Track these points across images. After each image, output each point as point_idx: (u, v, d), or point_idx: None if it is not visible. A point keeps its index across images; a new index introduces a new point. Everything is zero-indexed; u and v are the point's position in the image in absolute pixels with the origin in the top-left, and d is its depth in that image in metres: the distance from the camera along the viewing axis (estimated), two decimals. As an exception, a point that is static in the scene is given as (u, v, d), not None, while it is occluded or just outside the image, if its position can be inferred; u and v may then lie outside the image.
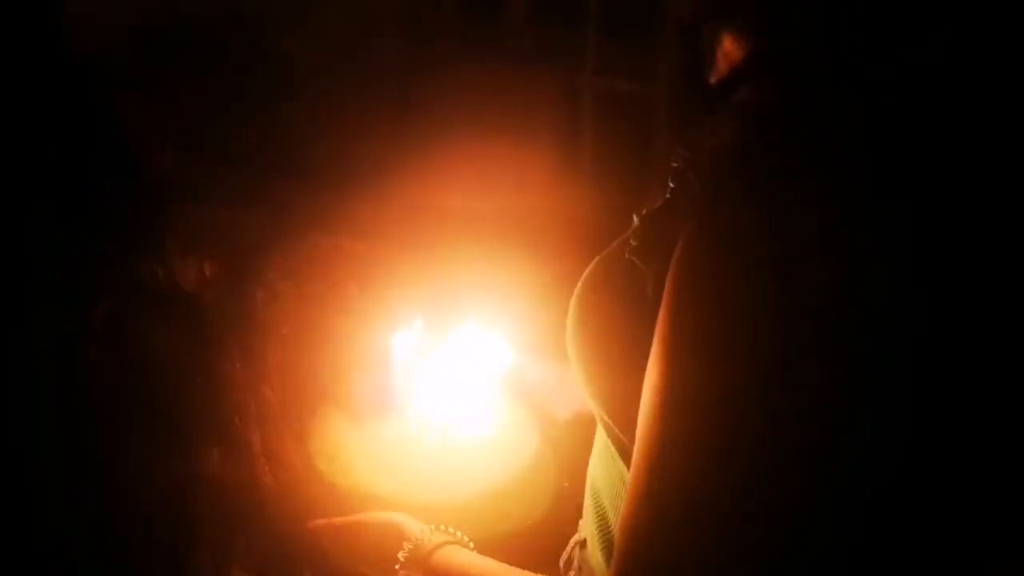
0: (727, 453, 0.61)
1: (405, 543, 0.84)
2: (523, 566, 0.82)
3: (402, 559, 0.84)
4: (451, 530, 0.87)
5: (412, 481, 1.04)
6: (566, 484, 1.09)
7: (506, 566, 0.81)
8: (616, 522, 0.72)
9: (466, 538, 0.87)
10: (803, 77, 0.65)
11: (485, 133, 2.02)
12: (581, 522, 0.86)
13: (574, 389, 1.13)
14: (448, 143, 1.96)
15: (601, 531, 0.77)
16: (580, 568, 0.82)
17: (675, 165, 0.66)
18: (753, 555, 0.62)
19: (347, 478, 1.03)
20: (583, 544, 0.83)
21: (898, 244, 0.61)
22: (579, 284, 0.76)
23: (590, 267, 0.76)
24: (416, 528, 0.86)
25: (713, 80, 0.72)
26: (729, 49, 0.70)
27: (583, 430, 1.08)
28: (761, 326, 0.60)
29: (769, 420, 0.60)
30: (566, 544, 0.87)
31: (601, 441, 0.81)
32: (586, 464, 0.84)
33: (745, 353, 0.60)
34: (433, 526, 0.87)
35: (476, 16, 2.50)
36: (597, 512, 0.77)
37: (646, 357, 0.65)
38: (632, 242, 0.71)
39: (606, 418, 0.76)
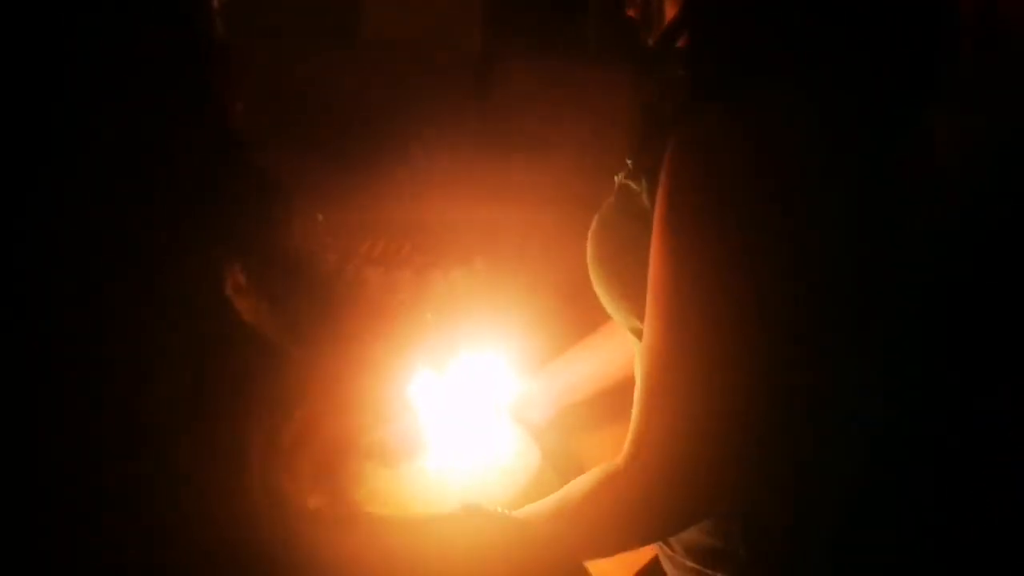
0: (719, 309, 0.75)
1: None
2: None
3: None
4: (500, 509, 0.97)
5: (450, 505, 1.17)
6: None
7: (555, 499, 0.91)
8: None
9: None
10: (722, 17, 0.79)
11: (562, 130, 2.03)
12: None
13: (543, 396, 1.26)
14: (524, 142, 1.97)
15: None
16: None
17: (649, 101, 0.83)
18: (750, 403, 0.76)
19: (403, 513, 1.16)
20: None
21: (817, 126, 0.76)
22: (590, 232, 0.91)
23: (595, 218, 0.91)
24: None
25: (652, 39, 0.87)
26: (667, 10, 0.85)
27: (560, 428, 1.28)
28: (742, 203, 0.75)
29: (756, 282, 0.75)
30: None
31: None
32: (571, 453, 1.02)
33: (733, 225, 0.75)
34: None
35: (555, 11, 2.46)
36: None
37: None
38: (623, 175, 0.86)
39: (640, 325, 0.87)
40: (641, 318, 0.86)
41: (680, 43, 0.83)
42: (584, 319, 1.27)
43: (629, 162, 0.88)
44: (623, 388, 1.04)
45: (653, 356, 0.78)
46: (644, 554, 1.06)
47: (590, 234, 0.93)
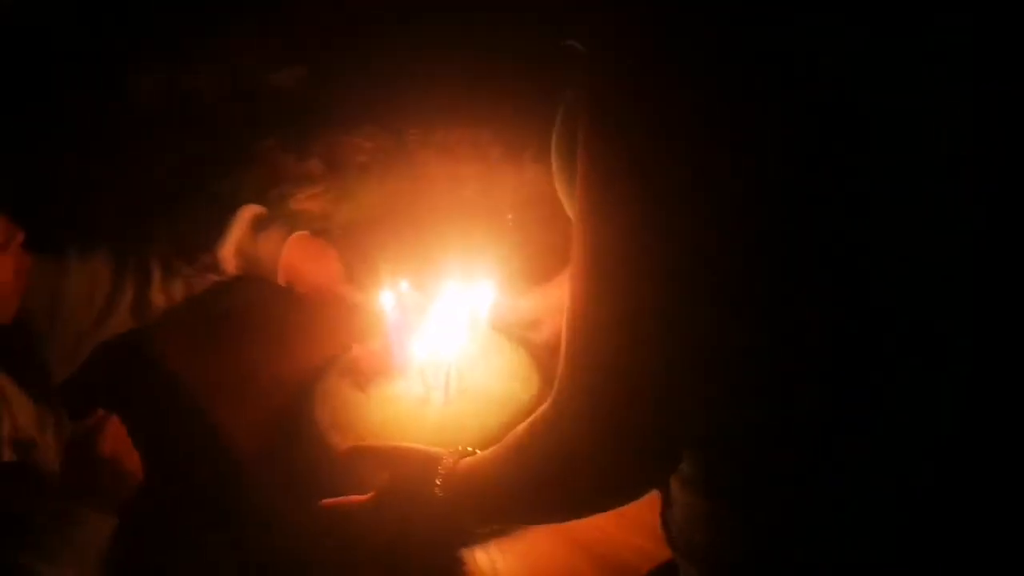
0: (637, 252, 0.66)
1: (439, 468, 0.88)
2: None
3: (439, 482, 0.87)
4: (470, 449, 0.90)
5: (428, 437, 1.05)
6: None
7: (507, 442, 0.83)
8: None
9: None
10: None
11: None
12: None
13: (545, 315, 1.13)
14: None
15: None
16: None
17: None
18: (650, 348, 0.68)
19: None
20: None
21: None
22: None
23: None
24: (443, 453, 0.90)
25: None
26: None
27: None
28: (664, 140, 0.63)
29: (679, 228, 0.64)
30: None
31: None
32: None
33: (653, 162, 0.63)
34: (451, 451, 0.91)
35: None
36: None
37: None
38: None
39: None
40: None
41: None
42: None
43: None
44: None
45: (574, 295, 0.70)
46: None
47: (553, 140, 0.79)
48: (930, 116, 0.64)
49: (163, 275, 1.30)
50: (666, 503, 0.86)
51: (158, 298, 1.29)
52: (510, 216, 1.45)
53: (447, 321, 1.11)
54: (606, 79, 0.65)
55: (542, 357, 1.13)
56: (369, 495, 0.93)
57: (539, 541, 0.99)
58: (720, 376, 0.70)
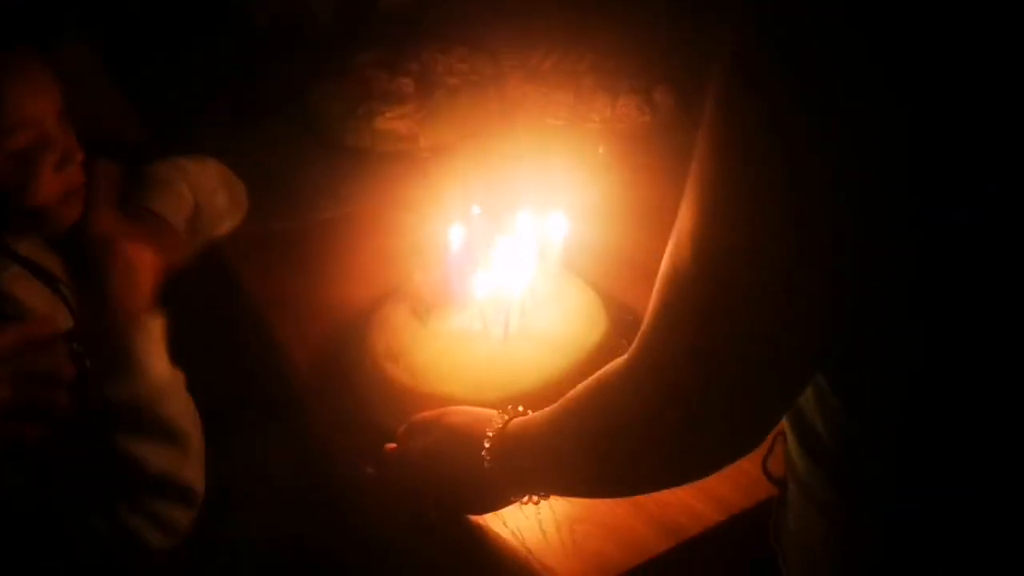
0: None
1: (487, 430, 0.83)
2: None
3: (487, 445, 0.83)
4: (520, 408, 0.85)
5: (480, 376, 1.00)
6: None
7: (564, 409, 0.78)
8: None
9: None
10: None
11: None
12: None
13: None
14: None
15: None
16: None
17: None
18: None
19: (414, 377, 1.01)
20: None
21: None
22: None
23: None
24: (493, 414, 0.85)
25: None
26: None
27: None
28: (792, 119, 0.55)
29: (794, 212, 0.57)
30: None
31: None
32: None
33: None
34: (503, 409, 0.86)
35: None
36: None
37: None
38: None
39: None
40: None
41: None
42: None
43: None
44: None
45: (676, 250, 0.63)
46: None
47: None
48: None
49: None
50: (780, 502, 0.79)
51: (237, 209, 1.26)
52: (601, 149, 1.36)
53: (516, 254, 1.05)
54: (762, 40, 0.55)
55: (612, 303, 1.06)
56: (413, 448, 0.90)
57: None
58: (836, 348, 0.62)
